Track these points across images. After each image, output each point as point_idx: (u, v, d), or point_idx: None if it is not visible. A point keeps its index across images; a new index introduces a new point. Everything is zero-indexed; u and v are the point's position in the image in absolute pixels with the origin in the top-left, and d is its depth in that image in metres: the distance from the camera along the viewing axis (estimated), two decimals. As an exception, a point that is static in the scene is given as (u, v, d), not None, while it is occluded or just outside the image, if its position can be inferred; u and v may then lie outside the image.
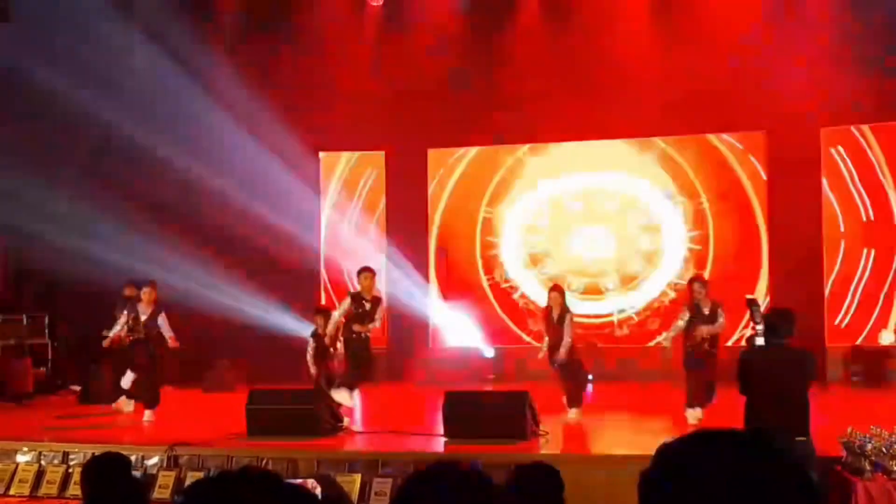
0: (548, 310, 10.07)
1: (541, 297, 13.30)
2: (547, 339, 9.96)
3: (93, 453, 8.05)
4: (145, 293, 10.52)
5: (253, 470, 1.49)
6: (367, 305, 9.49)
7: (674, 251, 14.17)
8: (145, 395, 10.37)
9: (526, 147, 14.74)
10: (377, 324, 9.56)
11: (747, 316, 8.32)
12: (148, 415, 10.21)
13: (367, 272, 9.78)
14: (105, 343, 10.69)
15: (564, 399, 9.79)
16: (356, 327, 9.30)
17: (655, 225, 14.25)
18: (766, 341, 6.34)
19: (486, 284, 14.81)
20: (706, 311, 9.31)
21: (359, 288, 9.69)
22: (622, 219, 14.42)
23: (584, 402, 10.00)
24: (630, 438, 9.10)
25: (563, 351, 9.68)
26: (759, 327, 6.74)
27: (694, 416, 9.05)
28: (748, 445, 1.35)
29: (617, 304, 14.32)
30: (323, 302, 14.03)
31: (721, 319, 9.25)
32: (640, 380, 12.97)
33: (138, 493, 3.71)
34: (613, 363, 13.60)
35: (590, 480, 6.64)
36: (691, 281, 9.79)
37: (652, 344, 13.82)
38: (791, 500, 1.30)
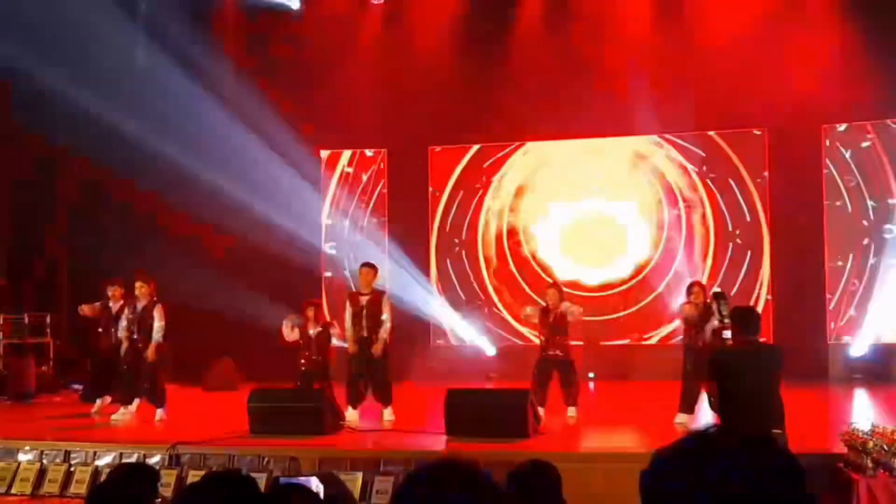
0: (545, 308, 9.99)
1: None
2: (543, 339, 9.80)
3: (94, 451, 8.13)
4: (138, 286, 10.16)
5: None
6: (364, 300, 9.55)
7: (673, 250, 14.08)
8: (149, 393, 10.27)
9: (526, 144, 14.71)
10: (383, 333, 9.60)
11: (714, 309, 8.38)
12: (158, 413, 10.11)
13: (365, 267, 9.83)
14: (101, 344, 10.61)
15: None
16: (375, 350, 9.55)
17: (656, 224, 14.18)
18: (734, 337, 6.56)
19: (489, 282, 14.81)
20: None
21: (359, 283, 9.77)
22: (624, 218, 14.35)
23: (581, 399, 9.85)
24: (631, 436, 9.09)
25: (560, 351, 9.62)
26: (727, 321, 6.83)
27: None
28: (751, 446, 1.34)
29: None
30: (324, 300, 14.07)
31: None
32: (642, 378, 12.95)
33: None
34: (615, 361, 13.58)
35: (589, 477, 6.64)
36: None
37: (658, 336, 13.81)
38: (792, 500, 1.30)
